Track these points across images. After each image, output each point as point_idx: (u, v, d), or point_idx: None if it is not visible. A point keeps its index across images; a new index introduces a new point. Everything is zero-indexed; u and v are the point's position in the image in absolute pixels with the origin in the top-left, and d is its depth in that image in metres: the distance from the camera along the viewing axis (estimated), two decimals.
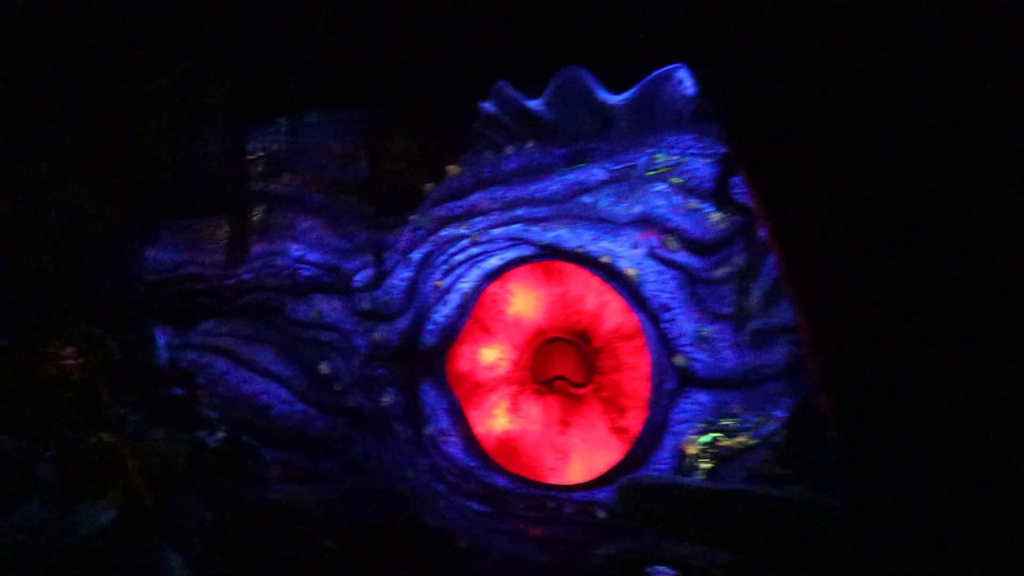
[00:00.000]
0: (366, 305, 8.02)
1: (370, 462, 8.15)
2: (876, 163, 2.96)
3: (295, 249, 8.54)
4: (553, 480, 7.22)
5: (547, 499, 7.00)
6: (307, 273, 8.45)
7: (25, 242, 8.27)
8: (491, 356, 7.59)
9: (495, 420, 7.52)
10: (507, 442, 7.51)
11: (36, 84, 8.07)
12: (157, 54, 8.20)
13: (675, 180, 6.30)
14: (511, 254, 7.19)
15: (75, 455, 7.23)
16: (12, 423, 7.27)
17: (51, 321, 7.57)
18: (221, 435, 7.01)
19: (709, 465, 5.82)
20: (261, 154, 8.81)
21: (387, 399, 7.68)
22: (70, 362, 7.44)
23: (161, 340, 7.71)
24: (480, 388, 7.61)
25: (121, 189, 8.29)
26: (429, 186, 8.21)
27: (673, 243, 6.19)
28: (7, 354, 7.33)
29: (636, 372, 6.59)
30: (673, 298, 6.19)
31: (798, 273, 3.36)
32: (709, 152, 6.36)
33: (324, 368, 8.07)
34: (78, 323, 7.35)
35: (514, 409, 7.53)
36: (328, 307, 8.29)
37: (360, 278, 8.22)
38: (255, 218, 8.94)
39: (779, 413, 5.70)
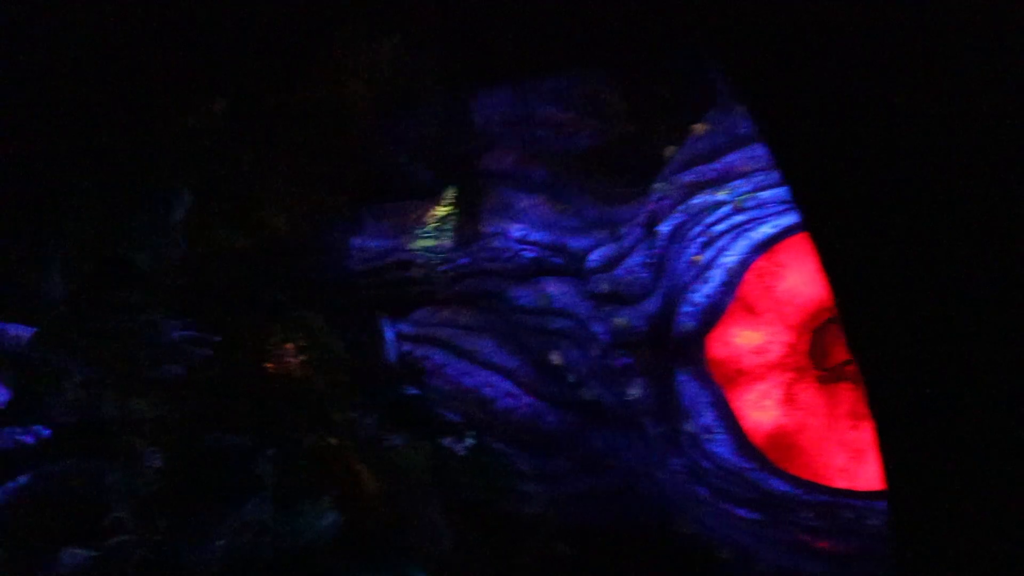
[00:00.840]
0: (604, 287, 7.17)
1: (609, 460, 7.32)
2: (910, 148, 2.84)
3: (516, 229, 7.80)
4: (844, 484, 6.16)
5: (842, 508, 5.96)
6: (531, 255, 7.70)
7: (235, 237, 7.91)
8: (756, 339, 6.60)
9: (764, 413, 6.52)
10: (780, 438, 6.50)
11: (237, 66, 7.68)
12: (366, 24, 7.65)
13: None
14: (786, 220, 6.18)
15: (295, 455, 6.76)
16: (232, 420, 6.87)
17: (269, 317, 7.13)
18: (469, 442, 6.34)
19: None
20: (474, 128, 8.11)
21: (634, 392, 6.81)
22: (291, 360, 6.99)
23: (390, 335, 7.15)
24: (744, 376, 6.63)
25: (328, 174, 7.82)
26: (670, 149, 7.27)
27: None
28: (227, 351, 6.92)
29: None
30: None
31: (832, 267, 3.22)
32: None
33: (555, 358, 7.29)
34: (301, 319, 6.88)
35: (789, 400, 6.50)
36: (557, 291, 7.50)
37: (595, 257, 7.37)
38: (469, 198, 8.26)
39: None
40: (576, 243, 7.59)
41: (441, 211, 8.33)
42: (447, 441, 6.22)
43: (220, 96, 7.52)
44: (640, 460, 7.06)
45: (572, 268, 7.46)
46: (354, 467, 6.19)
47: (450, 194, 8.28)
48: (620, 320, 6.95)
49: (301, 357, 6.84)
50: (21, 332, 7.09)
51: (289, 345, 6.91)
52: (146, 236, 7.41)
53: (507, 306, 7.75)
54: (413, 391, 6.76)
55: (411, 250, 8.35)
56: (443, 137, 8.17)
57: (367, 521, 6.20)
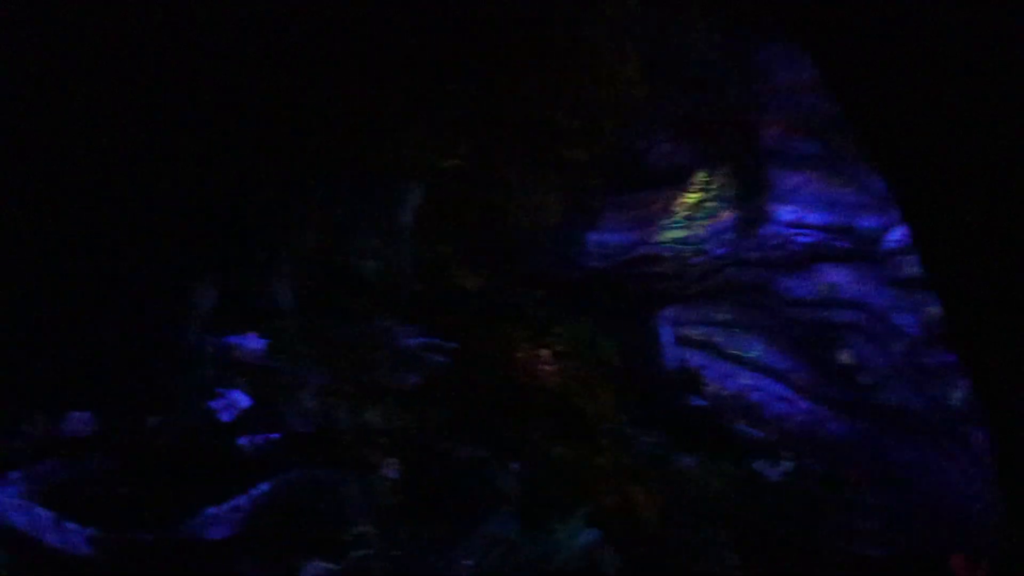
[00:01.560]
0: (910, 271, 5.94)
1: (915, 475, 6.02)
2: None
3: (786, 212, 6.72)
4: None
5: None
6: (805, 240, 6.58)
7: (470, 236, 7.36)
8: None
9: None
10: None
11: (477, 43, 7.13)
12: None
13: None
14: None
15: (544, 470, 6.01)
16: (472, 432, 6.24)
17: (515, 322, 6.48)
18: (787, 466, 5.29)
19: None
20: (747, 95, 7.09)
21: (957, 395, 5.53)
22: (546, 367, 6.28)
23: (668, 337, 6.27)
24: None
25: (575, 160, 7.10)
26: None
27: None
28: (467, 358, 6.32)
29: None
30: None
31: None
32: None
33: (845, 357, 6.12)
34: (558, 323, 6.16)
35: None
36: (843, 279, 6.33)
37: (896, 237, 6.15)
38: (723, 182, 7.29)
39: None
40: (866, 222, 6.38)
41: (692, 198, 7.39)
42: (758, 465, 5.17)
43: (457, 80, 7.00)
44: (960, 476, 5.72)
45: (862, 252, 6.28)
46: (627, 489, 5.32)
47: (701, 178, 7.35)
48: (936, 309, 5.69)
49: (558, 365, 6.12)
50: (255, 344, 6.82)
51: (543, 351, 6.21)
52: (374, 241, 7.01)
53: (777, 299, 6.67)
54: (699, 402, 5.80)
55: (658, 243, 7.46)
56: (709, 109, 7.22)
57: (638, 549, 5.32)
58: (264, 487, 5.61)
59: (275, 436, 6.27)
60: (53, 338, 6.81)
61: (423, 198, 7.13)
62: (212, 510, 5.28)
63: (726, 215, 7.16)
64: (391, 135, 7.25)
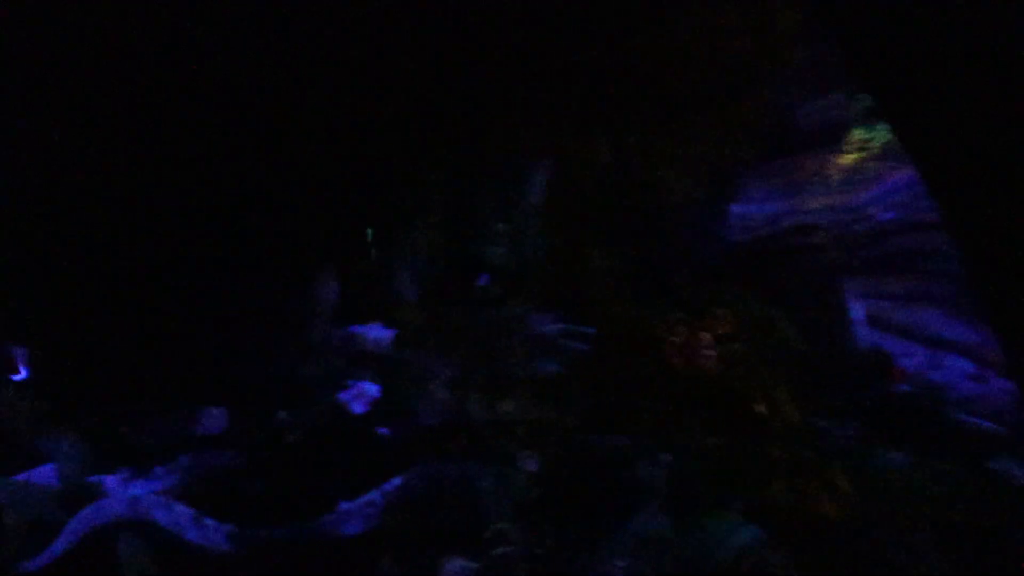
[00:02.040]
0: None
1: None
2: None
3: None
4: None
5: None
6: None
7: (608, 212, 6.86)
8: None
9: None
10: None
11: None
12: None
13: None
14: None
15: (699, 462, 5.44)
16: (617, 422, 5.73)
17: (665, 303, 5.93)
18: None
19: None
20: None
21: None
22: (707, 352, 5.72)
23: (859, 314, 5.61)
24: None
25: (726, 121, 6.48)
26: None
27: None
28: (610, 344, 5.83)
29: None
30: None
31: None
32: None
33: None
34: (723, 302, 5.57)
35: None
36: None
37: None
38: (885, 139, 6.51)
39: None
40: None
41: (849, 159, 6.65)
42: (995, 464, 4.44)
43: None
44: None
45: None
46: (807, 485, 4.69)
47: (859, 136, 6.58)
48: None
49: (722, 349, 5.54)
50: (382, 334, 6.63)
51: (703, 336, 5.64)
52: (501, 226, 6.61)
53: (956, 266, 5.85)
54: (903, 388, 5.09)
55: (811, 211, 6.76)
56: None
57: (816, 551, 4.69)
58: (397, 481, 5.40)
59: (406, 428, 6.01)
60: (184, 334, 6.94)
61: (552, 178, 6.70)
62: (346, 505, 5.23)
63: (892, 175, 6.38)
64: (514, 115, 6.87)
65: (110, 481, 6.17)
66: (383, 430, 6.33)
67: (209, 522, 5.33)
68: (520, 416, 5.73)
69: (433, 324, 6.36)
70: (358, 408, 6.50)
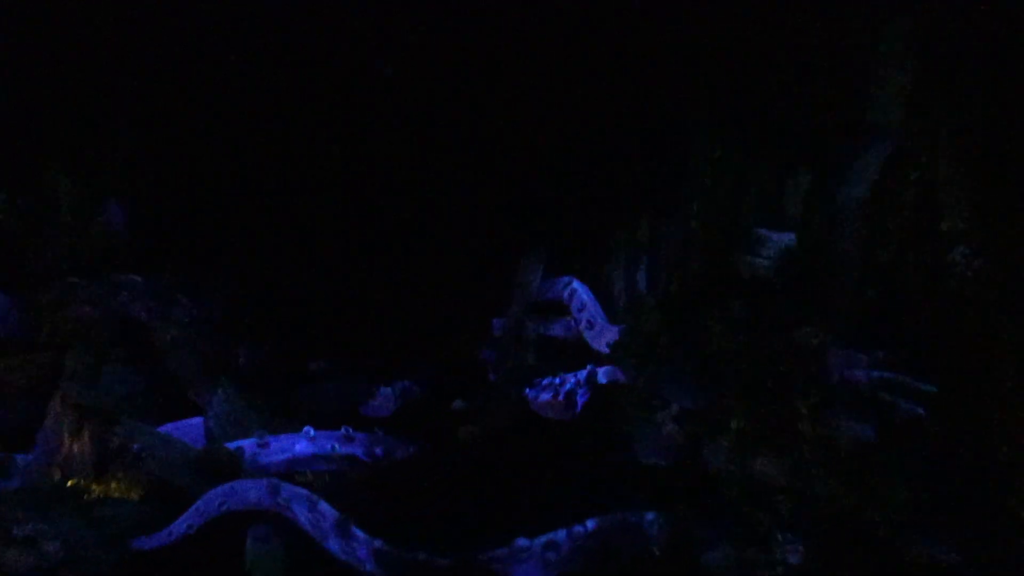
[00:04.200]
0: None
1: None
2: None
3: None
4: None
5: None
6: None
7: None
8: None
9: None
10: None
11: None
12: None
13: None
14: None
15: None
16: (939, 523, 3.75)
17: None
18: None
19: None
20: None
21: None
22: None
23: None
24: None
25: None
26: None
27: None
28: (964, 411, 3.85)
29: None
30: None
31: None
32: None
33: None
34: None
35: None
36: None
37: None
38: None
39: None
40: None
41: None
42: None
43: None
44: None
45: None
46: None
47: None
48: None
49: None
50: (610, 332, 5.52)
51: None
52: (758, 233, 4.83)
53: None
54: None
55: None
56: None
57: None
58: (591, 525, 4.19)
59: (613, 457, 4.70)
60: (376, 304, 6.66)
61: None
62: (523, 542, 4.14)
63: None
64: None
65: (249, 446, 5.23)
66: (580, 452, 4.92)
67: (357, 533, 4.26)
68: (786, 483, 3.97)
69: (671, 333, 4.75)
70: (547, 411, 5.27)
